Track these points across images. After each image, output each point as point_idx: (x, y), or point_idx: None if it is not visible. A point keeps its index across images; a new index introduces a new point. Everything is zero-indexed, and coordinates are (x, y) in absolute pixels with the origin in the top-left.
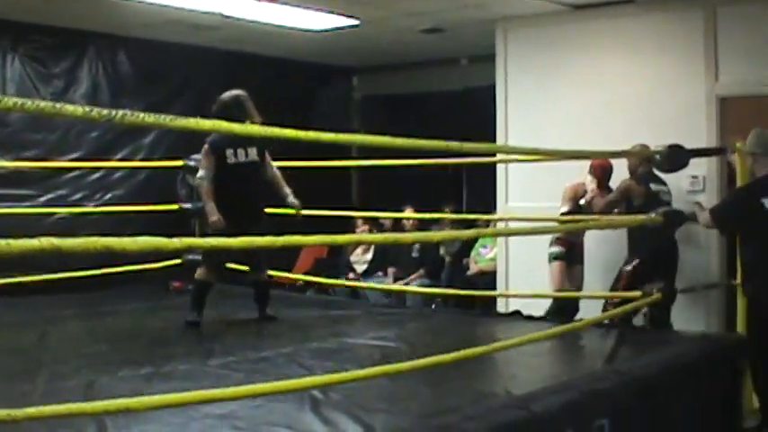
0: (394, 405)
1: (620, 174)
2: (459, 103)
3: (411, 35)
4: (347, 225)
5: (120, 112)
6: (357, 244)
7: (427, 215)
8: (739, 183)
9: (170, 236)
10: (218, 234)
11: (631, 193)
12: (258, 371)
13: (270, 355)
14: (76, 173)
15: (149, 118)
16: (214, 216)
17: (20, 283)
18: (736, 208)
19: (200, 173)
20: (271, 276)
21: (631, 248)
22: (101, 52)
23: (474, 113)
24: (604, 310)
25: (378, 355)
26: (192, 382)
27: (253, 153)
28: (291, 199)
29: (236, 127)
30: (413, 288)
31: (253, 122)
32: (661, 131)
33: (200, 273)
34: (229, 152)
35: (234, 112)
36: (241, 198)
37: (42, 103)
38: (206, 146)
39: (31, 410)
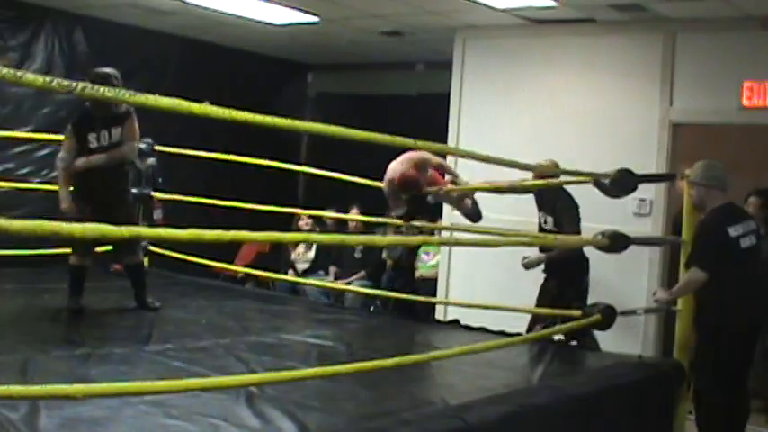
0: (329, 404)
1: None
2: (412, 107)
3: (370, 36)
4: (292, 222)
5: (81, 85)
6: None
7: (372, 218)
8: (686, 209)
9: (114, 220)
10: (74, 219)
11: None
12: (195, 360)
13: (207, 345)
14: (24, 147)
15: (109, 92)
16: (65, 203)
17: None
18: (711, 242)
19: (60, 154)
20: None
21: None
22: (58, 29)
23: (427, 120)
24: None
25: (315, 353)
26: (127, 367)
27: (117, 134)
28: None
29: (194, 107)
30: (354, 288)
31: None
32: (612, 152)
33: (72, 259)
34: (92, 137)
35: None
36: (101, 183)
37: (4, 70)
38: (69, 127)
39: None
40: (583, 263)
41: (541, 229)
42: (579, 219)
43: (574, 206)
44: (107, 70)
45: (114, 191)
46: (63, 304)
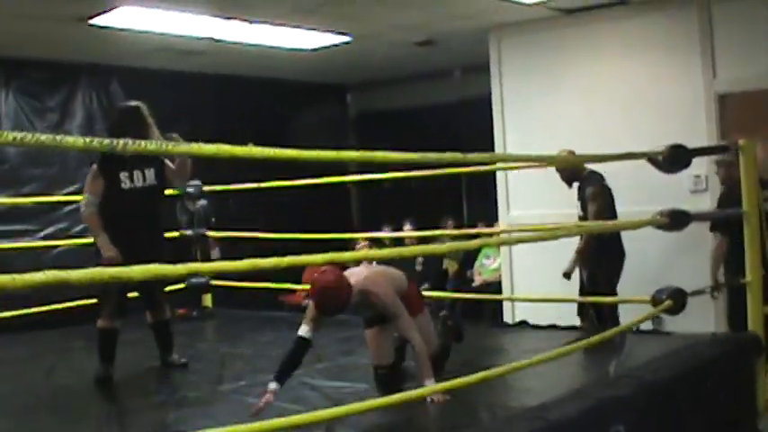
0: (408, 423)
1: (623, 176)
2: (455, 114)
3: (403, 49)
4: (348, 246)
5: (122, 141)
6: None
7: (428, 233)
8: (744, 180)
9: (173, 263)
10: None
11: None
12: None
13: None
14: (75, 205)
15: (151, 146)
16: (110, 251)
17: (24, 316)
18: None
19: (85, 198)
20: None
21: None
22: (94, 83)
23: (471, 124)
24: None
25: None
26: (204, 408)
27: (151, 175)
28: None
29: (237, 151)
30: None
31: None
32: (661, 130)
33: (100, 322)
34: (124, 175)
35: (134, 124)
36: (138, 229)
37: (43, 137)
38: (94, 166)
39: None
40: (613, 246)
41: (580, 219)
42: (609, 202)
43: (601, 190)
44: (132, 103)
45: (155, 238)
46: (132, 355)
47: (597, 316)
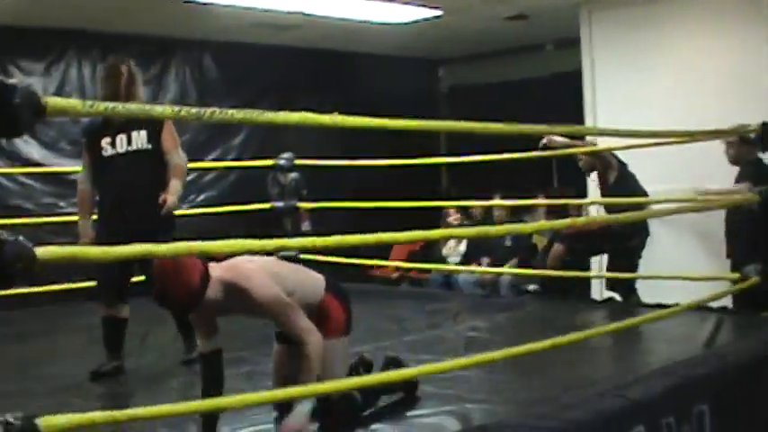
0: (491, 395)
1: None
2: (546, 90)
3: (495, 23)
4: (438, 214)
5: (209, 110)
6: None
7: (519, 202)
8: None
9: (265, 236)
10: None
11: (609, 164)
12: None
13: (368, 348)
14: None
15: (238, 114)
16: (85, 237)
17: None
18: None
19: (80, 173)
20: None
21: None
22: (187, 58)
23: (562, 100)
24: None
25: (474, 345)
26: None
27: (140, 138)
28: (167, 196)
29: (324, 119)
30: (507, 270)
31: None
32: (753, 109)
33: (102, 310)
34: (105, 141)
35: (128, 79)
36: (126, 200)
37: (132, 106)
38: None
39: (132, 412)
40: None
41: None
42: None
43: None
44: (125, 58)
45: (147, 209)
46: (222, 325)
47: (624, 290)
